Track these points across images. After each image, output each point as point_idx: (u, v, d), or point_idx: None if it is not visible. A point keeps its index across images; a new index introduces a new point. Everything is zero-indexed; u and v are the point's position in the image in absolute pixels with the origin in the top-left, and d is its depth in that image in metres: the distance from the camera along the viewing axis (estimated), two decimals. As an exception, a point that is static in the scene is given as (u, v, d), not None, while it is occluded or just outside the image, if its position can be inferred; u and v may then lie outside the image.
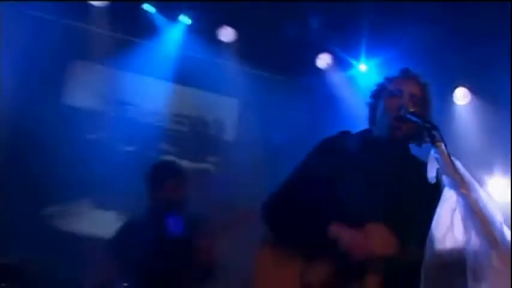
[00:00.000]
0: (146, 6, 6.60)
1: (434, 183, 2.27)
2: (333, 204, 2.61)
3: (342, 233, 2.53)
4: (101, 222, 5.97)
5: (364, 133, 2.88)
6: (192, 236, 4.42)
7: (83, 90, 6.88)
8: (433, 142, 2.29)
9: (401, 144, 2.78)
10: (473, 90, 6.84)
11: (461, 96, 6.90)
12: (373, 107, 2.88)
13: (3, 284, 3.65)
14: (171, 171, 4.64)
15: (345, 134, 2.88)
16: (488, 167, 5.98)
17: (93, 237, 5.83)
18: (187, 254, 4.36)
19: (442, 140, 2.28)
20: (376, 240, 2.48)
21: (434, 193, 2.25)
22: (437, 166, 2.24)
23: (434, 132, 2.32)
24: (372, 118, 2.87)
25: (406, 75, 2.84)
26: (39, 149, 6.12)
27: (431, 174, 2.26)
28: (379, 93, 2.87)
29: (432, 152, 2.28)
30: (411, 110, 2.58)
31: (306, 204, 2.67)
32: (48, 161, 6.07)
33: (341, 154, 2.76)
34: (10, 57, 6.12)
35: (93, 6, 6.49)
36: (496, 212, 2.00)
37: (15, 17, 6.21)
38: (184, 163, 4.97)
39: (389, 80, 2.86)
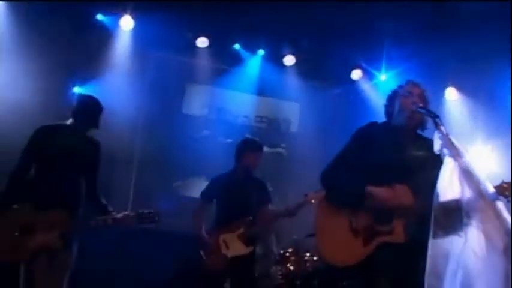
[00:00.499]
0: (236, 46, 6.70)
1: (438, 154, 2.28)
2: (368, 172, 2.60)
3: (375, 190, 2.55)
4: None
5: (386, 123, 2.84)
6: (256, 194, 4.39)
7: (196, 103, 7.04)
8: (437, 126, 2.29)
9: (413, 129, 2.74)
10: (460, 89, 6.63)
11: (451, 94, 6.69)
12: (390, 106, 2.83)
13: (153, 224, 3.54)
14: (252, 146, 4.54)
15: (374, 124, 2.85)
16: (472, 142, 5.90)
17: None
18: (254, 204, 4.33)
19: (443, 124, 2.28)
20: (401, 195, 2.49)
21: (438, 161, 2.25)
22: (441, 142, 2.25)
23: (437, 120, 2.32)
24: (389, 113, 2.82)
25: (412, 83, 2.79)
26: (172, 143, 6.33)
27: (436, 147, 2.27)
28: (394, 96, 2.82)
29: (436, 133, 2.29)
30: (420, 105, 2.58)
31: (350, 172, 2.67)
32: (176, 151, 6.26)
33: (371, 137, 2.74)
34: (147, 84, 6.35)
35: (199, 47, 6.52)
36: (479, 171, 2.00)
37: (146, 58, 6.40)
38: (265, 149, 4.93)
39: (401, 86, 2.82)
